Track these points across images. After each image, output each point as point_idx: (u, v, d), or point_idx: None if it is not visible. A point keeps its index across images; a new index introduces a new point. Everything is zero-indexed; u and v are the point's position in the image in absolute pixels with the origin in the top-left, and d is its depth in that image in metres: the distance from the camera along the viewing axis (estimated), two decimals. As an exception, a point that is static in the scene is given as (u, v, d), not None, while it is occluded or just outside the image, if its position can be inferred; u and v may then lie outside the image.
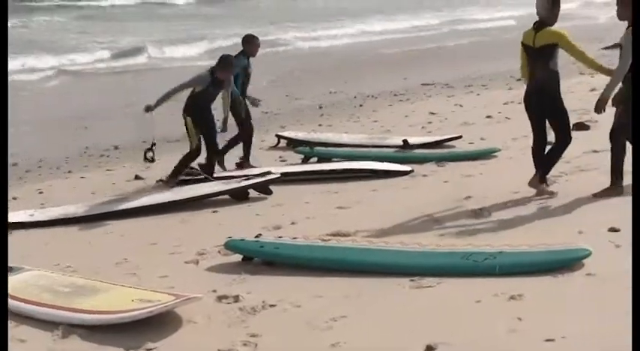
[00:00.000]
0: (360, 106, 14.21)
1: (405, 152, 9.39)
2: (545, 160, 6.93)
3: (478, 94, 14.50)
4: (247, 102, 9.19)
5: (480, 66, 18.74)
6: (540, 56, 6.65)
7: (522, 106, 7.10)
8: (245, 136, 9.18)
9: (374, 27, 31.01)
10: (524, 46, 6.81)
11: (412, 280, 4.97)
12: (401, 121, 12.14)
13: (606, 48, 7.67)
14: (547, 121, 6.95)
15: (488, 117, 11.70)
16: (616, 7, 6.60)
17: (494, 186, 7.47)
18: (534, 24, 6.70)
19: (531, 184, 6.91)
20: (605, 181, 6.70)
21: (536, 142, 7.01)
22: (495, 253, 5.15)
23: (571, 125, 7.22)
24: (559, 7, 6.66)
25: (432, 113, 12.52)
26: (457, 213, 6.71)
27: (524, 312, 4.30)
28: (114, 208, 7.79)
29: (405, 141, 9.60)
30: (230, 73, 8.47)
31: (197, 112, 8.37)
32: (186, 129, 8.47)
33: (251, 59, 9.10)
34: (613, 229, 5.65)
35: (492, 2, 41.46)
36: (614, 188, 6.65)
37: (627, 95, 6.40)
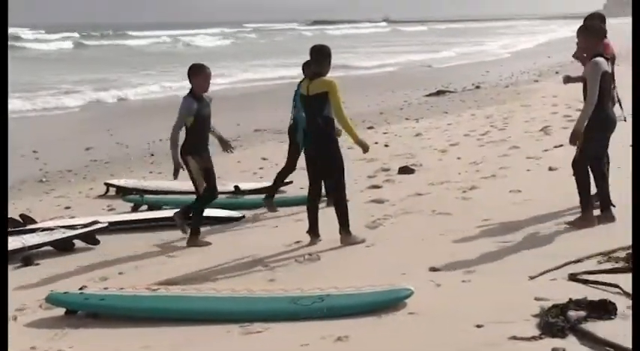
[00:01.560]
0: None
1: (237, 198, 9.40)
2: (338, 214, 7.10)
3: (309, 140, 14.78)
4: None
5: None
6: (314, 104, 6.94)
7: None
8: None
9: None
10: (300, 95, 7.23)
11: (242, 327, 4.97)
12: (233, 167, 12.15)
13: (568, 79, 7.93)
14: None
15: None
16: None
17: (325, 229, 7.60)
18: (308, 73, 7.21)
19: (343, 242, 7.02)
20: (428, 222, 6.99)
21: (314, 194, 7.33)
22: (323, 296, 5.25)
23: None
24: (330, 58, 6.99)
25: (264, 159, 12.65)
26: (288, 257, 6.78)
27: (350, 353, 4.38)
28: None
29: (236, 187, 9.62)
30: (204, 77, 7.49)
31: (199, 149, 7.62)
32: (191, 173, 7.70)
33: None
34: (433, 269, 5.91)
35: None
36: (606, 216, 6.88)
37: (587, 127, 6.74)
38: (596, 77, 6.70)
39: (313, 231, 7.24)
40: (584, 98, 6.90)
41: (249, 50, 54.03)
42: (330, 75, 7.01)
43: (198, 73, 7.46)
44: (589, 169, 6.88)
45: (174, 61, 38.43)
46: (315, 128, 6.96)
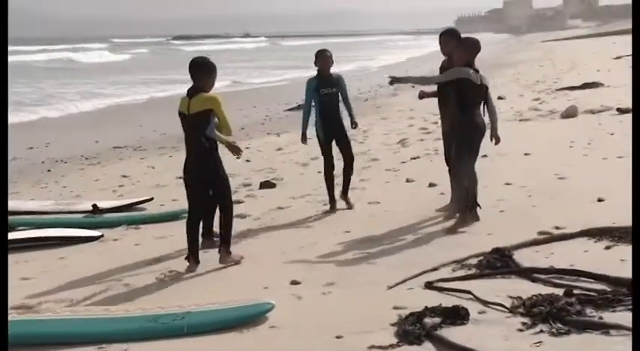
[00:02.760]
0: (49, 171, 13.60)
1: (95, 217, 9.13)
2: (222, 233, 6.78)
3: (171, 156, 14.59)
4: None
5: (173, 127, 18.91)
6: (196, 123, 6.49)
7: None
8: None
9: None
10: (181, 115, 6.61)
11: (100, 348, 4.83)
12: (92, 185, 11.81)
13: (423, 95, 8.09)
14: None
15: (180, 178, 11.76)
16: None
17: (186, 246, 7.50)
18: (188, 90, 6.55)
19: (222, 261, 6.72)
20: (290, 235, 7.04)
21: (195, 218, 6.86)
22: (183, 313, 5.18)
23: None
24: (214, 73, 6.58)
25: (124, 176, 12.35)
26: (148, 276, 6.63)
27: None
28: None
29: (94, 205, 9.33)
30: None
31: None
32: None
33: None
34: (294, 282, 5.95)
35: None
36: (468, 216, 7.15)
37: (458, 135, 7.19)
38: (449, 74, 7.14)
39: (194, 256, 6.76)
40: (439, 109, 7.26)
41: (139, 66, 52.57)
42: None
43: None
44: (463, 172, 7.25)
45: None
46: (200, 149, 6.53)
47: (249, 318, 5.09)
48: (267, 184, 10.21)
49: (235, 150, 6.76)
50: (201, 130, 6.44)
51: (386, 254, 6.59)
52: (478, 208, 7.30)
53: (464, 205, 7.26)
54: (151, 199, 9.92)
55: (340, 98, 8.56)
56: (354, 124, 8.85)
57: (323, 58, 8.40)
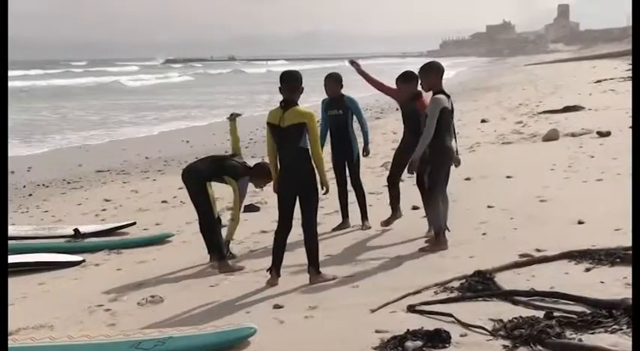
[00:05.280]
0: (30, 195, 13.54)
1: (77, 242, 9.08)
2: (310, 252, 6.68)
3: (154, 180, 14.58)
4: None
5: (163, 150, 18.92)
6: (290, 136, 6.45)
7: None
8: None
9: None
10: (270, 126, 6.58)
11: (79, 375, 4.77)
12: (74, 209, 11.77)
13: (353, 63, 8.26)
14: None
15: (164, 202, 11.79)
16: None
17: (168, 271, 7.49)
18: (281, 103, 6.55)
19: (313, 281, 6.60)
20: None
21: (285, 230, 6.74)
22: (165, 338, 5.14)
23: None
24: (302, 86, 6.59)
25: (107, 200, 12.32)
26: (130, 301, 6.59)
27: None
28: None
29: (76, 230, 9.29)
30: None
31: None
32: (210, 197, 7.66)
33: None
34: (277, 306, 5.94)
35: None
36: (443, 238, 7.27)
37: (432, 160, 7.24)
38: (435, 112, 7.15)
39: (277, 269, 6.69)
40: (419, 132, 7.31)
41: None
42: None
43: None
44: (438, 195, 7.32)
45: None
46: (296, 160, 6.49)
47: (231, 342, 5.06)
48: (250, 208, 10.20)
49: (324, 185, 6.67)
50: (295, 142, 6.45)
51: (368, 277, 6.59)
52: (447, 231, 7.37)
53: (439, 227, 7.33)
54: (134, 223, 9.89)
55: (352, 120, 8.82)
56: (365, 152, 9.03)
57: (327, 83, 8.73)
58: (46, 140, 22.72)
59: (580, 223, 7.70)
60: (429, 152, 7.30)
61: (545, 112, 20.28)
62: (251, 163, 7.91)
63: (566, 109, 19.89)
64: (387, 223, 8.52)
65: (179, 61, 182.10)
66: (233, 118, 8.16)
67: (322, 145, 8.30)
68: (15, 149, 19.06)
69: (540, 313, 5.04)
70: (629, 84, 27.34)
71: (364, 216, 8.82)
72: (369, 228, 8.63)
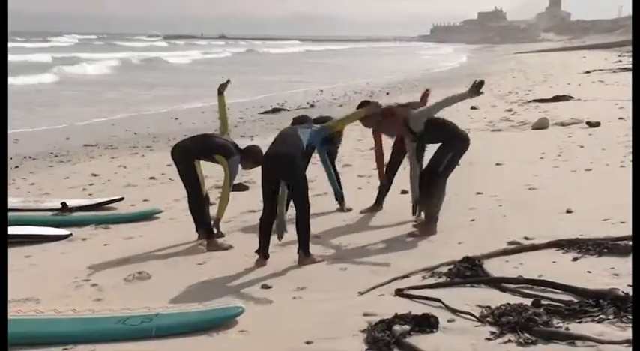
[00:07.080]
0: (16, 167, 13.44)
1: (64, 215, 9.03)
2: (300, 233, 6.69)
3: (143, 156, 14.51)
4: None
5: (151, 126, 18.82)
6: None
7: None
8: None
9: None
10: None
11: (65, 349, 4.77)
12: (61, 183, 11.70)
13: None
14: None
15: (152, 178, 11.74)
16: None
17: (156, 247, 7.47)
18: None
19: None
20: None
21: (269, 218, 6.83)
22: (152, 315, 5.13)
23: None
24: None
25: (95, 175, 12.25)
26: (117, 276, 6.58)
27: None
28: None
29: (63, 204, 9.25)
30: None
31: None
32: (198, 175, 7.63)
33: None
34: (265, 286, 5.94)
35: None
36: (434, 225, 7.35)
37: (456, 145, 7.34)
38: (419, 126, 7.36)
39: (264, 251, 6.73)
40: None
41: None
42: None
43: None
44: (444, 181, 7.37)
45: None
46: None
47: (218, 321, 5.05)
48: (239, 187, 10.16)
49: None
50: None
51: (357, 260, 6.59)
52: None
53: (432, 213, 7.34)
54: (122, 198, 9.85)
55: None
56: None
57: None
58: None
59: (568, 212, 7.73)
60: (448, 137, 7.39)
61: (534, 100, 20.30)
62: (240, 143, 7.86)
63: (556, 99, 19.93)
64: (366, 211, 8.61)
65: (170, 37, 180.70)
66: (222, 90, 7.92)
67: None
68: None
69: (528, 301, 5.06)
70: (618, 76, 27.46)
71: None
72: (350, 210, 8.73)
